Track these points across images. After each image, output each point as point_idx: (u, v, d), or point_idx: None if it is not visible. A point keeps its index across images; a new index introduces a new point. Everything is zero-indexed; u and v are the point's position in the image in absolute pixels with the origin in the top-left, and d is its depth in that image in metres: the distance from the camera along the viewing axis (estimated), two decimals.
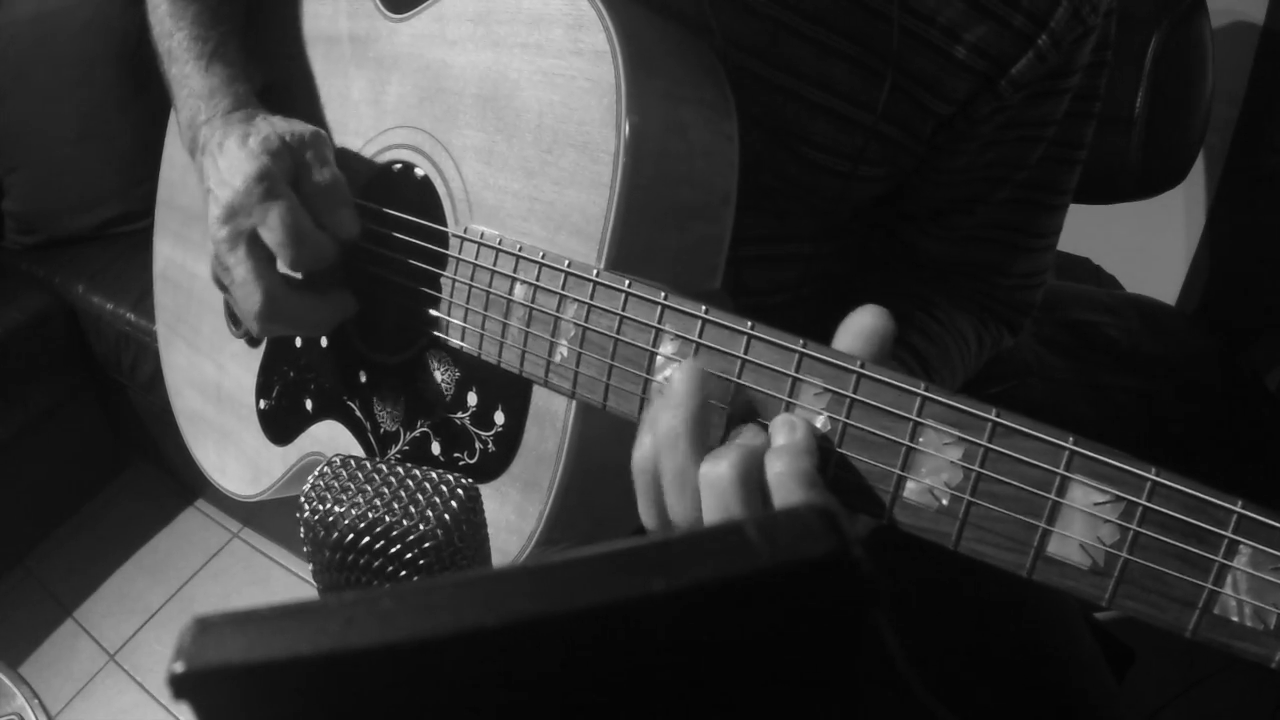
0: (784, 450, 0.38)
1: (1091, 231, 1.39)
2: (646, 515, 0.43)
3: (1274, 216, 1.32)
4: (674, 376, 0.41)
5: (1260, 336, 1.34)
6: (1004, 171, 0.61)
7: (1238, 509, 0.32)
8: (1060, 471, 0.34)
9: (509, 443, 0.55)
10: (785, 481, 0.38)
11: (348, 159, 0.65)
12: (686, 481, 0.40)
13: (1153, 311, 1.23)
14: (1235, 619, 0.32)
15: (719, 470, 0.38)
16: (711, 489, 0.38)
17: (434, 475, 0.48)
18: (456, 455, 0.58)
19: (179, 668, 0.19)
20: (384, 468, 0.49)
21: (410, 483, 0.48)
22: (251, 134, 0.59)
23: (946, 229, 0.64)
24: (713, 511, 0.39)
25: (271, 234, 0.57)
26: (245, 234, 0.58)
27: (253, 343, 0.74)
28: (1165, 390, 1.11)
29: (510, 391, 0.54)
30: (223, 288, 0.62)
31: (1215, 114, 1.17)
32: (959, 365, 0.63)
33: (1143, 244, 1.48)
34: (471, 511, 0.47)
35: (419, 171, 0.60)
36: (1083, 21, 0.54)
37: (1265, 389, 1.17)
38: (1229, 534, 0.32)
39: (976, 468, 0.36)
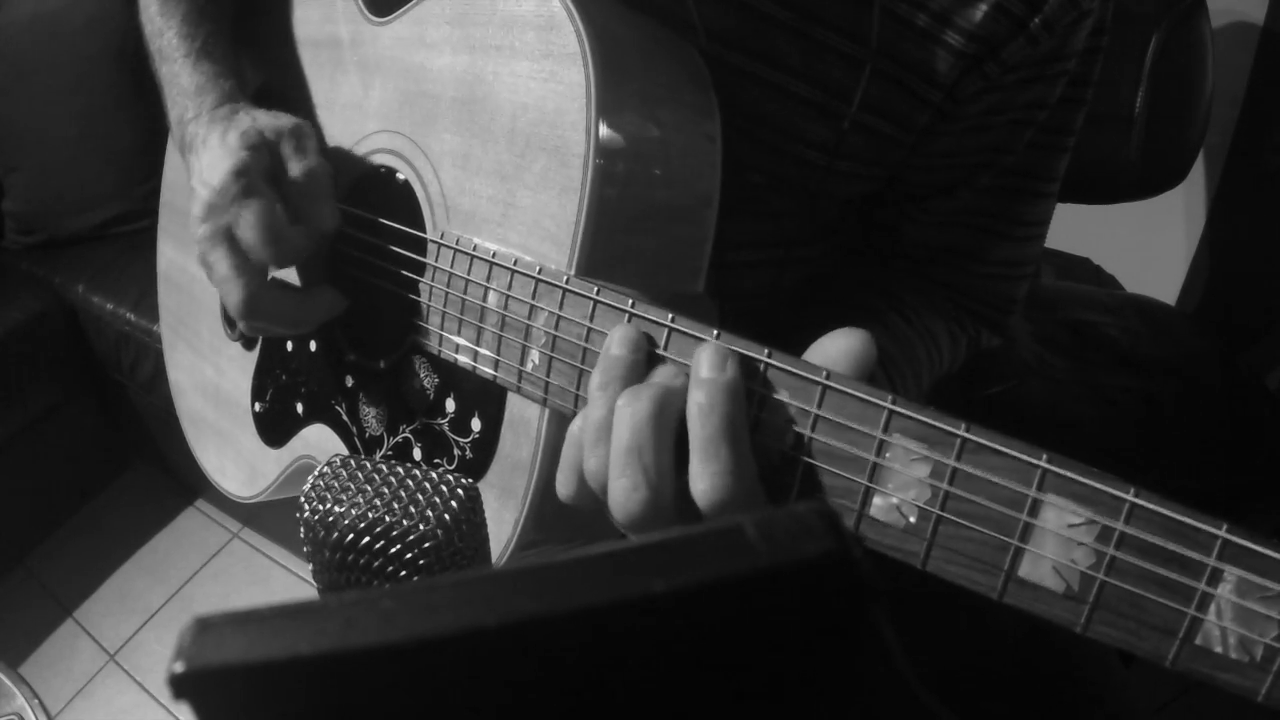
0: (710, 384, 0.38)
1: (1091, 231, 1.39)
2: (563, 483, 0.43)
3: (1274, 216, 1.32)
4: (609, 335, 0.42)
5: (1260, 336, 1.34)
6: (991, 156, 0.60)
7: (1222, 533, 0.30)
8: (1032, 492, 0.33)
9: (485, 449, 0.54)
10: (706, 418, 0.37)
11: (337, 158, 0.65)
12: (604, 432, 0.40)
13: (1153, 311, 1.23)
14: (1219, 649, 0.31)
15: (637, 404, 0.38)
16: (626, 423, 0.38)
17: (434, 475, 0.48)
18: (437, 461, 0.58)
19: (179, 668, 0.19)
20: (384, 467, 0.48)
21: (410, 482, 0.47)
22: (231, 129, 0.59)
23: (927, 213, 0.64)
24: (622, 444, 0.38)
25: (245, 233, 0.57)
26: (223, 231, 0.57)
27: (248, 346, 0.74)
28: (1165, 390, 1.11)
29: (486, 398, 0.54)
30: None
31: (1215, 114, 1.17)
32: (924, 364, 0.62)
33: (1143, 244, 1.48)
34: (471, 511, 0.47)
35: (400, 176, 0.60)
36: (1077, 6, 0.53)
37: (1265, 389, 1.17)
38: (1212, 560, 0.30)
39: (945, 485, 0.35)
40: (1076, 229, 1.30)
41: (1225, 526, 0.30)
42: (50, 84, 1.76)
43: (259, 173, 0.57)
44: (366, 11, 0.63)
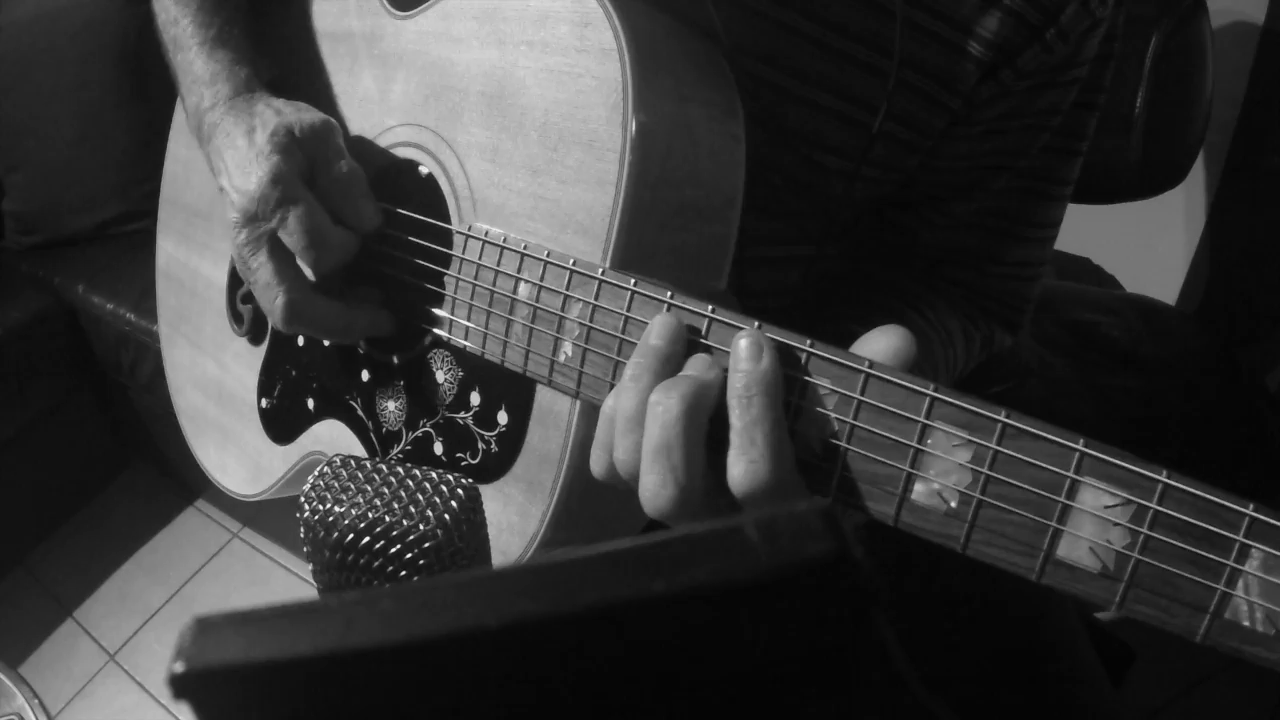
0: (747, 374, 0.38)
1: (1091, 231, 1.39)
2: (596, 460, 0.44)
3: (1274, 216, 1.32)
4: (649, 324, 0.42)
5: (1260, 336, 1.34)
6: (1005, 160, 0.61)
7: (1250, 512, 0.31)
8: (1070, 474, 0.34)
9: (512, 443, 0.54)
10: (745, 408, 0.38)
11: (357, 151, 0.65)
12: (634, 422, 0.40)
13: (1153, 311, 1.23)
14: (1246, 623, 0.32)
15: (669, 402, 0.39)
16: (657, 420, 0.39)
17: (434, 475, 0.48)
18: (459, 455, 0.58)
19: (179, 668, 0.19)
20: (384, 467, 0.48)
21: (410, 482, 0.48)
22: (258, 127, 0.58)
23: (943, 215, 0.64)
24: (652, 441, 0.39)
25: (292, 238, 0.57)
26: (266, 237, 0.57)
27: (255, 341, 0.74)
28: (1165, 390, 1.11)
29: (513, 391, 0.54)
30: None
31: (1215, 114, 1.17)
32: (941, 363, 0.62)
33: (1143, 244, 1.48)
34: (471, 511, 0.47)
35: (424, 169, 0.60)
36: (1091, 14, 0.54)
37: (1265, 389, 1.17)
38: (1241, 537, 0.31)
39: (985, 470, 0.36)
40: (1076, 229, 1.30)
41: (1253, 505, 0.31)
42: (50, 84, 1.76)
43: (296, 176, 0.57)
44: (389, 5, 0.63)
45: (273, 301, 0.58)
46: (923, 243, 0.66)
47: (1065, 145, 0.62)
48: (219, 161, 0.60)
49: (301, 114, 0.59)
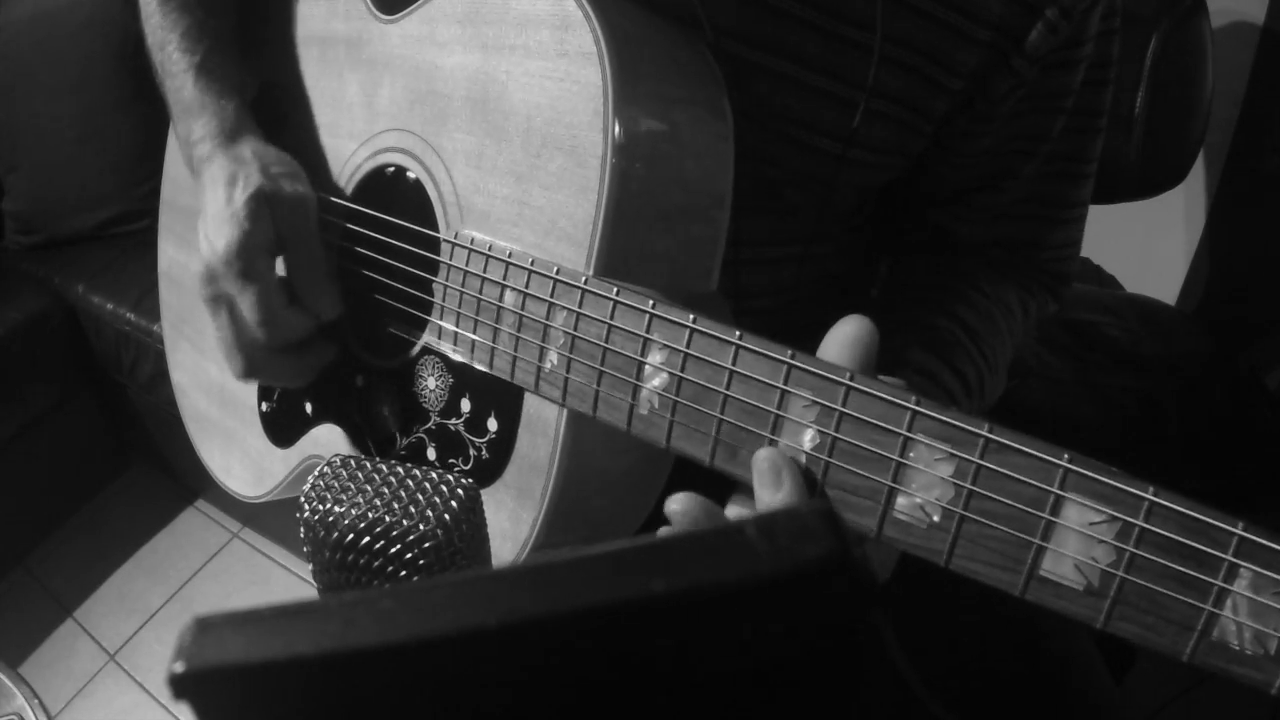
0: None
1: (1092, 231, 1.38)
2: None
3: (1274, 216, 1.32)
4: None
5: (1260, 336, 1.34)
6: (1028, 145, 0.61)
7: (1239, 531, 0.30)
8: (1054, 490, 0.33)
9: (502, 450, 0.54)
10: None
11: (344, 156, 0.65)
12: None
13: (1153, 311, 1.23)
14: (1234, 644, 0.31)
15: None
16: None
17: (434, 475, 0.48)
18: (451, 461, 0.58)
19: (179, 668, 0.19)
20: (384, 467, 0.48)
21: (410, 482, 0.48)
22: (240, 180, 0.58)
23: (977, 210, 0.64)
24: None
25: (245, 314, 0.58)
26: (225, 300, 0.58)
27: None
28: (1165, 390, 1.11)
29: (502, 398, 0.54)
30: None
31: (1215, 114, 1.17)
32: (1006, 337, 0.63)
33: (1143, 244, 1.48)
34: (471, 511, 0.47)
35: (411, 175, 0.60)
36: None
37: (1265, 389, 1.17)
38: (1229, 557, 0.31)
39: (968, 485, 0.35)
40: None
41: (1242, 524, 0.31)
42: (50, 84, 1.76)
43: (261, 249, 0.58)
44: (374, 9, 0.63)
45: (230, 359, 0.60)
46: (964, 237, 0.66)
47: (1084, 124, 0.62)
48: (203, 198, 0.60)
49: (283, 182, 0.60)
